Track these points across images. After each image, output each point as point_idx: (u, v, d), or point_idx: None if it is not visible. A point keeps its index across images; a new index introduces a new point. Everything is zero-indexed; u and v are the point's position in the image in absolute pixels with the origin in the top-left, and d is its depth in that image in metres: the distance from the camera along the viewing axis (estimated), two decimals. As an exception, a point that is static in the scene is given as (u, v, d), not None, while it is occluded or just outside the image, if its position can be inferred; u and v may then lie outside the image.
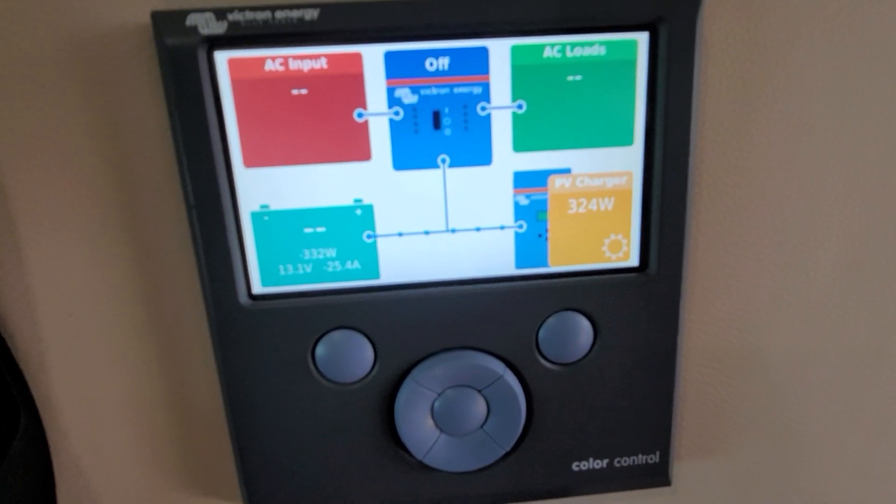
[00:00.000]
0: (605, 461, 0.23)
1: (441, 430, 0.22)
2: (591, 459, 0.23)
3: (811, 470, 0.26)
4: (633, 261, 0.22)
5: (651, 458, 0.24)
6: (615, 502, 0.26)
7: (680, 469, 0.26)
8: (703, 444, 0.26)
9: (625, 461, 0.23)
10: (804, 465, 0.26)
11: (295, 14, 0.18)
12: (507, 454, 0.23)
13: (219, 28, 0.18)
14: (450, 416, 0.22)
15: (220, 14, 0.18)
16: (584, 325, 0.22)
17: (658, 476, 0.24)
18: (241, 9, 0.18)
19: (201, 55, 0.18)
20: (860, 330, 0.24)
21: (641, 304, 0.22)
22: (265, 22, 0.18)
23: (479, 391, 0.22)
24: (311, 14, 0.18)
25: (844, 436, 0.26)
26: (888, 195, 0.23)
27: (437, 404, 0.22)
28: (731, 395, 0.25)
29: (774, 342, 0.24)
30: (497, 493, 0.23)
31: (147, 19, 0.18)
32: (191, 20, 0.18)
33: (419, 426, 0.22)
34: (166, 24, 0.18)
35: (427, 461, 0.22)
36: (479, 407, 0.22)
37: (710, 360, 0.24)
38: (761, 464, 0.26)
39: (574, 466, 0.23)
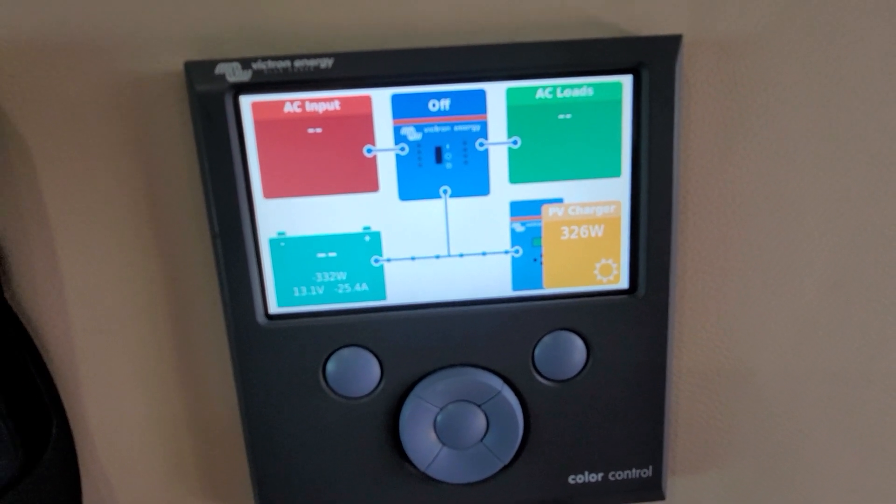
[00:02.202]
0: (601, 475, 0.26)
1: (443, 444, 0.25)
2: (586, 473, 0.26)
3: (804, 486, 0.28)
4: (623, 283, 0.24)
5: (644, 473, 0.26)
6: (613, 517, 0.28)
7: (674, 484, 0.28)
8: (697, 459, 0.28)
9: (619, 475, 0.26)
10: (797, 480, 0.28)
11: (312, 63, 0.21)
12: (506, 467, 0.25)
13: (244, 76, 0.21)
14: (451, 429, 0.24)
15: (246, 63, 0.21)
16: (578, 344, 0.24)
17: (652, 490, 0.26)
18: (264, 58, 0.21)
19: (228, 100, 0.21)
20: (848, 347, 0.26)
21: (632, 325, 0.24)
22: (285, 70, 0.21)
23: (479, 406, 0.24)
24: (326, 63, 0.21)
25: (836, 452, 0.28)
26: (869, 217, 0.25)
27: (439, 418, 0.24)
28: (722, 413, 0.27)
29: (763, 361, 0.26)
30: (497, 505, 0.26)
31: (180, 68, 0.22)
32: (219, 69, 0.21)
33: (422, 439, 0.24)
34: (197, 72, 0.21)
35: (429, 473, 0.25)
36: (479, 421, 0.24)
37: (701, 379, 0.27)
38: (755, 479, 0.28)
39: (570, 479, 0.26)
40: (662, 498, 0.26)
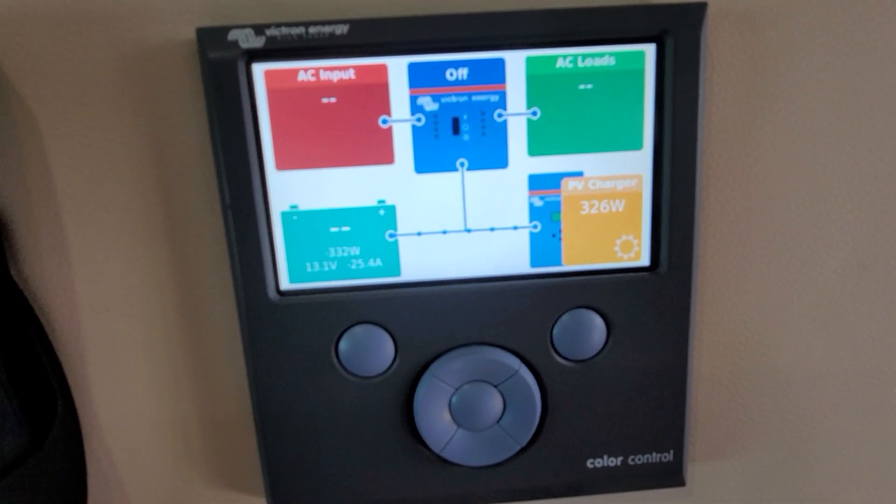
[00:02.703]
0: (620, 459, 0.25)
1: (458, 425, 0.24)
2: (605, 457, 0.25)
3: (826, 473, 0.28)
4: (644, 260, 0.24)
5: (665, 457, 0.25)
6: (630, 502, 0.28)
7: (695, 470, 0.27)
8: (718, 445, 0.27)
9: (639, 459, 0.25)
10: (819, 467, 0.28)
11: (326, 29, 0.20)
12: (523, 450, 0.25)
13: (257, 42, 0.20)
14: (467, 410, 0.24)
15: (259, 30, 0.20)
16: (598, 323, 0.24)
17: (672, 476, 0.25)
18: (278, 25, 0.20)
19: (241, 67, 0.21)
20: (874, 332, 0.26)
21: (653, 303, 0.23)
22: (299, 36, 0.20)
23: (496, 386, 0.24)
24: (341, 29, 0.21)
25: (859, 438, 0.27)
26: (895, 195, 0.24)
27: (454, 399, 0.24)
28: (744, 397, 0.27)
29: (786, 342, 0.26)
30: (514, 489, 0.25)
31: (192, 35, 0.21)
32: (232, 35, 0.20)
33: (437, 420, 0.24)
34: (210, 39, 0.20)
35: (444, 455, 0.24)
36: (496, 402, 0.24)
37: (722, 360, 0.26)
38: (776, 465, 0.28)
39: (589, 463, 0.25)
40: (683, 484, 0.26)
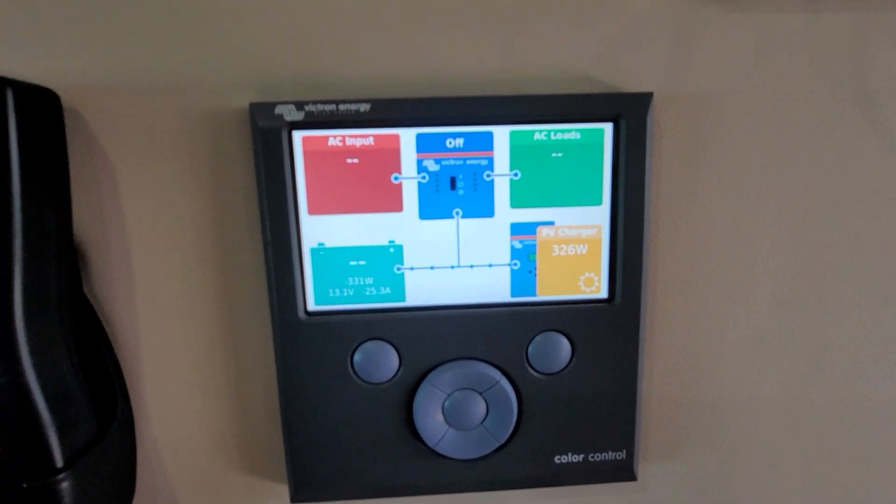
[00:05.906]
0: (582, 456, 0.31)
1: (449, 425, 0.30)
2: (570, 454, 0.31)
3: (754, 473, 0.34)
4: (603, 293, 0.29)
5: (619, 455, 0.31)
6: (595, 496, 0.33)
7: (647, 469, 0.33)
8: (667, 449, 0.33)
9: (598, 457, 0.31)
10: (748, 468, 0.33)
11: (353, 107, 0.26)
12: (502, 446, 0.30)
13: (298, 116, 0.26)
14: (457, 413, 0.29)
15: (300, 106, 0.26)
16: (564, 344, 0.29)
17: (625, 471, 0.31)
18: (314, 102, 0.26)
19: (284, 134, 0.26)
20: (795, 353, 0.32)
21: (610, 328, 0.29)
22: (331, 112, 0.26)
23: (481, 393, 0.29)
24: (365, 107, 0.26)
25: (782, 445, 0.33)
26: (810, 243, 0.31)
27: (446, 403, 0.29)
28: (689, 408, 0.32)
29: (723, 363, 0.32)
30: (494, 479, 0.31)
31: (245, 106, 0.27)
32: (278, 110, 0.26)
33: (432, 420, 0.29)
34: (260, 112, 0.26)
35: (437, 449, 0.30)
36: (481, 406, 0.30)
37: (670, 378, 0.32)
38: (714, 465, 0.33)
39: (556, 459, 0.31)
40: (634, 478, 0.31)
